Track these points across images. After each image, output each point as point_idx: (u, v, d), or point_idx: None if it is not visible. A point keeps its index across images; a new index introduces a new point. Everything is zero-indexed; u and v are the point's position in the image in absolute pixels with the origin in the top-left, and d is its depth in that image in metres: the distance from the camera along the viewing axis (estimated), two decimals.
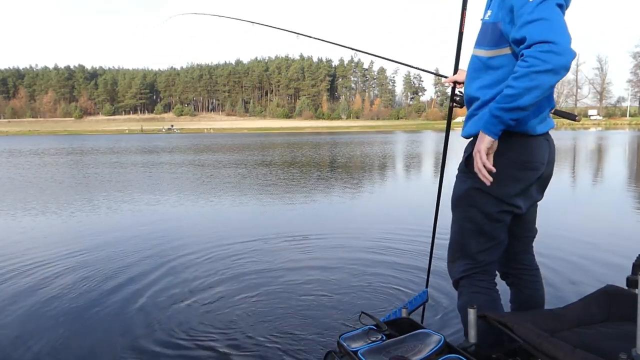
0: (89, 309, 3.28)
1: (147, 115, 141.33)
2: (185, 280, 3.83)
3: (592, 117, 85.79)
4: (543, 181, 1.87)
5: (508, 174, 1.70)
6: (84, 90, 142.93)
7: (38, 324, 3.03)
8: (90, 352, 2.66)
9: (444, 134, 2.03)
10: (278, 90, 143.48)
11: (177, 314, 3.16)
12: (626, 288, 1.80)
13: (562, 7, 1.54)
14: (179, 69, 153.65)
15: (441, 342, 1.53)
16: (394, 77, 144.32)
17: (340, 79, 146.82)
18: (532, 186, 1.82)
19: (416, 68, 2.92)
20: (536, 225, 2.03)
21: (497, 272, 1.96)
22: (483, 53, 1.71)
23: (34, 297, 3.50)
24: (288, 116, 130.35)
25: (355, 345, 1.62)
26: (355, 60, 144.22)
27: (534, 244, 2.06)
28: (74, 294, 3.57)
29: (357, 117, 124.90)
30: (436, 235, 2.59)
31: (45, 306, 3.32)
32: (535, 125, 1.71)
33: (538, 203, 1.97)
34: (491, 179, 1.60)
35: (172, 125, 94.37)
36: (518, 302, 2.04)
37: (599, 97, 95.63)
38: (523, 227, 1.96)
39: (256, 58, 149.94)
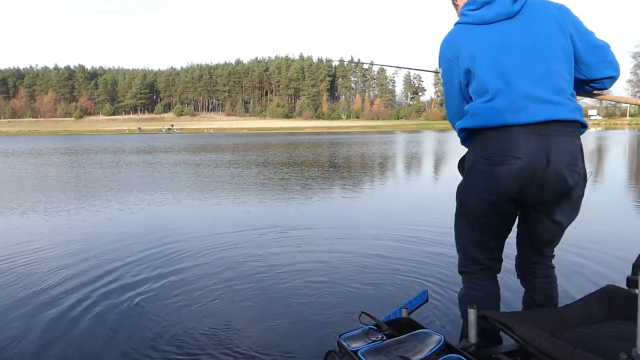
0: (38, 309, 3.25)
1: (147, 115, 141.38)
2: (176, 277, 3.83)
3: (592, 117, 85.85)
4: (546, 185, 1.70)
5: (478, 169, 1.76)
6: (84, 90, 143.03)
7: None
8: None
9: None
10: (278, 90, 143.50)
11: (171, 313, 3.16)
12: (626, 288, 1.80)
13: (455, 84, 1.83)
14: (179, 69, 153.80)
15: (441, 342, 1.53)
16: (394, 77, 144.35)
17: (340, 79, 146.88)
18: (516, 184, 1.70)
19: None
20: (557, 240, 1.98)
21: (499, 268, 1.99)
22: None
23: None
24: (288, 116, 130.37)
25: (355, 345, 1.62)
26: (355, 60, 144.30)
27: None
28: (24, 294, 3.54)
29: (357, 117, 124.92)
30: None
31: None
32: (494, 117, 1.69)
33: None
34: None
35: (172, 125, 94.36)
36: (527, 306, 2.06)
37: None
38: (532, 237, 1.93)
39: (256, 58, 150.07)
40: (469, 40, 1.75)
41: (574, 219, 1.89)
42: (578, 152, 1.73)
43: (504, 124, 1.68)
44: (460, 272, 2.00)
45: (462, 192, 1.88)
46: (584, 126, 1.77)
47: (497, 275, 1.99)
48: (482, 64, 1.71)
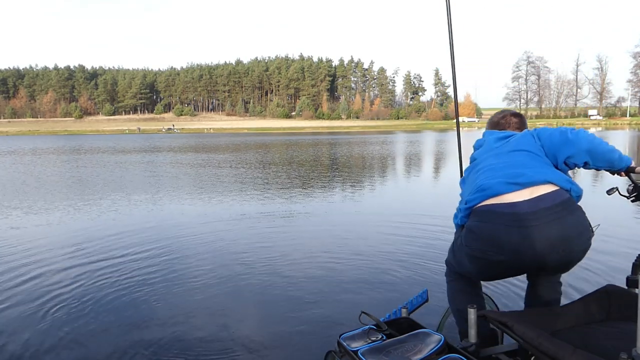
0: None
1: (147, 115, 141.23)
2: (169, 272, 3.83)
3: (592, 117, 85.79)
4: (539, 266, 1.78)
5: (466, 253, 1.91)
6: (84, 90, 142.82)
7: None
8: None
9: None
10: (278, 90, 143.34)
11: (165, 309, 3.16)
12: (626, 288, 1.80)
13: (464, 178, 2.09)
14: (179, 69, 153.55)
15: (441, 342, 1.53)
16: (394, 77, 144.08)
17: (340, 79, 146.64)
18: (504, 272, 1.86)
19: None
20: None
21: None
22: None
23: None
24: (288, 116, 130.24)
25: (355, 345, 1.62)
26: (355, 60, 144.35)
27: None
28: None
29: (357, 117, 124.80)
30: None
31: None
32: (467, 206, 1.88)
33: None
34: None
35: (173, 126, 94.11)
36: (529, 303, 2.09)
37: (599, 97, 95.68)
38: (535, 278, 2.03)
39: (256, 58, 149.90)
40: (465, 176, 2.12)
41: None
42: (575, 231, 1.73)
43: (475, 204, 1.81)
44: (446, 263, 2.16)
45: (456, 248, 2.00)
46: (571, 191, 1.79)
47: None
48: (465, 189, 2.02)
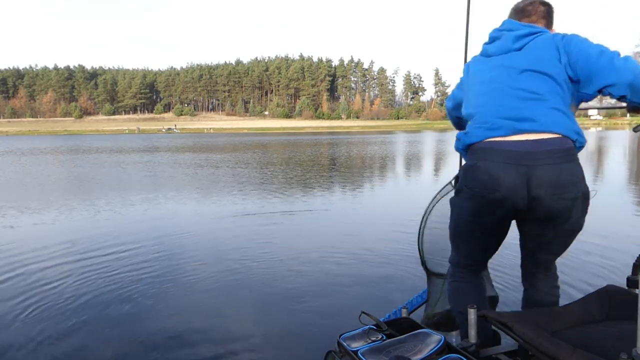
0: None
1: (147, 115, 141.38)
2: (165, 270, 3.82)
3: (592, 117, 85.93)
4: (532, 210, 1.75)
5: (464, 195, 1.88)
6: (84, 90, 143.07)
7: None
8: None
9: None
10: (278, 90, 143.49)
11: (163, 308, 3.15)
12: (626, 288, 1.80)
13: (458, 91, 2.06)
14: (179, 69, 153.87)
15: (441, 342, 1.52)
16: (394, 77, 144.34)
17: (340, 79, 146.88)
18: (501, 211, 1.77)
19: None
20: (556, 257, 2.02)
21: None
22: None
23: None
24: (288, 116, 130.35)
25: (355, 345, 1.62)
26: (355, 60, 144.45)
27: None
28: None
29: (357, 117, 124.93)
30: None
31: None
32: (470, 138, 1.83)
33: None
34: None
35: (175, 126, 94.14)
36: (526, 305, 2.09)
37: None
38: (526, 247, 1.99)
39: (256, 58, 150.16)
40: (471, 70, 1.98)
41: (572, 233, 1.88)
42: (567, 179, 1.71)
43: (477, 140, 1.79)
44: (450, 261, 2.11)
45: (453, 209, 1.97)
46: (576, 142, 1.75)
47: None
48: (469, 94, 1.93)
